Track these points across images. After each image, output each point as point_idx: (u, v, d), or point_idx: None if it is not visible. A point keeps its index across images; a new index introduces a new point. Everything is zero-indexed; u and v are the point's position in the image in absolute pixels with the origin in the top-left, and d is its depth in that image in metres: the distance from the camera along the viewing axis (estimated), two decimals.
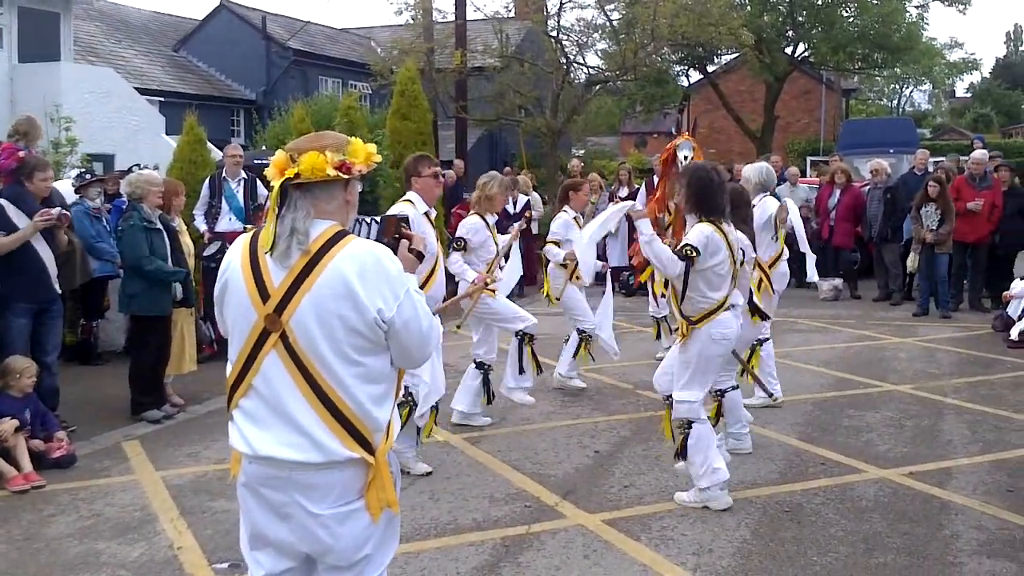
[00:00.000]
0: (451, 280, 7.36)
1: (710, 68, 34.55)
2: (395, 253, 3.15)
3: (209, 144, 13.04)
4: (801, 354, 10.62)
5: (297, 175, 3.01)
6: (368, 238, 3.19)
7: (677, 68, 33.96)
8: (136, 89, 23.38)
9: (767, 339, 8.26)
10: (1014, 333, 11.42)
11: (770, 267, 8.09)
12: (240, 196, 10.99)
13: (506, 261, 8.25)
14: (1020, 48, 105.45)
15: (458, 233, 7.92)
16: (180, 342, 8.66)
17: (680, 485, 6.34)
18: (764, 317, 7.37)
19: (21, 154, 7.94)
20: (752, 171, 8.48)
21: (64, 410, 7.84)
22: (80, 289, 9.16)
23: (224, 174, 11.12)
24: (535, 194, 16.84)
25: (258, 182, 10.89)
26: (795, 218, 8.49)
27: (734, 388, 6.87)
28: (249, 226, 10.11)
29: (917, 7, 31.11)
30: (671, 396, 6.13)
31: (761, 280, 7.76)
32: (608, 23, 25.32)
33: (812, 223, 15.57)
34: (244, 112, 31.72)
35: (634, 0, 23.60)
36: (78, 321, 10.42)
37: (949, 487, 6.45)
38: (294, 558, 3.14)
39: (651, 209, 9.05)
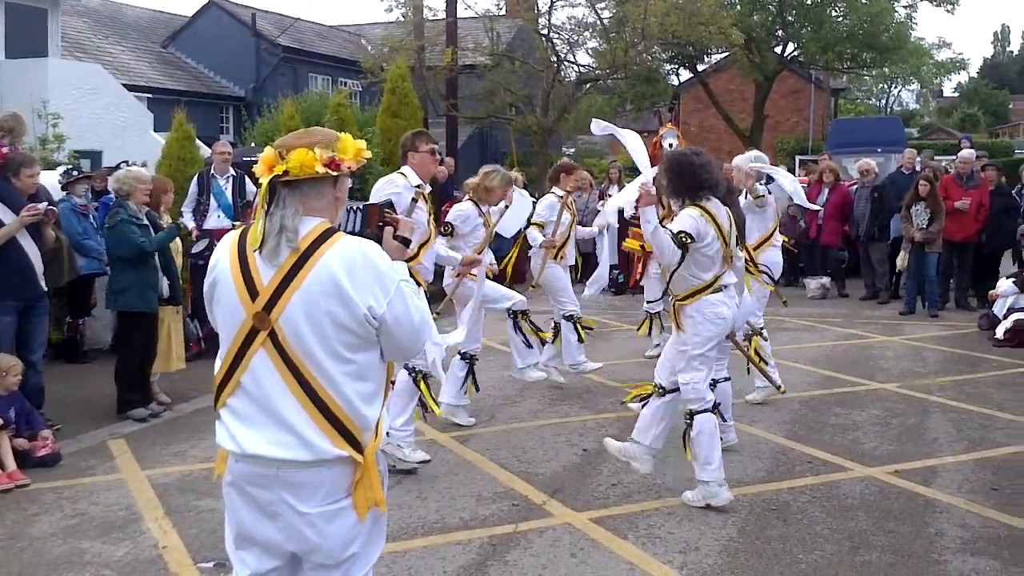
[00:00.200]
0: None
1: (700, 67, 34.59)
2: (380, 241, 3.14)
3: (198, 141, 13.00)
4: (789, 352, 10.64)
5: (286, 172, 3.00)
6: (355, 227, 3.18)
7: (667, 67, 34.01)
8: (124, 86, 23.30)
9: (762, 328, 8.21)
10: (1000, 332, 11.47)
11: (755, 249, 8.07)
12: (229, 193, 10.95)
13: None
14: (1007, 48, 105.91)
15: (447, 218, 7.90)
16: (167, 340, 8.63)
17: (667, 484, 6.36)
18: (775, 282, 7.40)
19: (5, 150, 7.91)
20: (741, 160, 8.44)
21: (49, 408, 7.81)
22: (66, 286, 9.12)
23: (213, 171, 11.08)
24: (525, 191, 16.81)
25: (247, 179, 10.85)
26: (783, 178, 8.44)
27: (726, 379, 6.85)
28: (238, 223, 10.08)
29: (905, 7, 31.22)
30: (663, 387, 6.14)
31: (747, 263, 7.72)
32: (599, 21, 25.36)
33: (800, 222, 15.61)
34: (233, 109, 31.63)
35: None
36: (64, 319, 10.37)
37: (934, 485, 6.48)
38: (280, 557, 3.13)
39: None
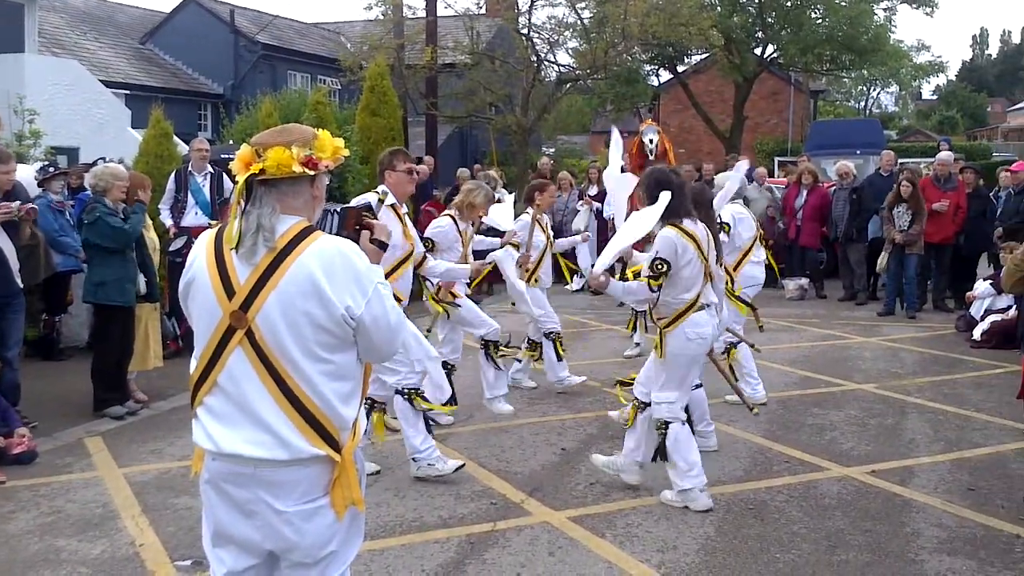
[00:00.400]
0: (417, 279, 7.24)
1: (680, 68, 34.64)
2: (357, 244, 3.13)
3: (176, 138, 12.92)
4: (767, 353, 10.64)
5: (263, 171, 2.98)
6: (331, 229, 3.17)
7: (647, 67, 34.05)
8: (102, 82, 23.10)
9: (739, 342, 8.28)
10: (977, 333, 11.56)
11: (735, 269, 8.17)
12: (206, 190, 10.89)
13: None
14: (986, 51, 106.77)
15: (426, 233, 7.89)
16: (144, 338, 8.58)
17: (645, 483, 6.36)
18: (751, 307, 7.43)
19: None
20: (724, 180, 8.53)
21: (25, 406, 7.76)
22: (42, 283, 9.06)
23: (190, 168, 11.01)
24: (504, 191, 16.81)
25: (225, 176, 10.79)
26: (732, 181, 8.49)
27: (697, 386, 6.87)
28: (215, 221, 10.03)
29: (885, 9, 31.39)
30: (644, 402, 6.15)
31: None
32: (579, 21, 25.38)
33: (779, 223, 15.69)
34: (212, 106, 31.51)
35: None
36: (40, 315, 10.29)
37: (911, 485, 6.51)
38: (257, 555, 3.11)
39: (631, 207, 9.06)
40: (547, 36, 25.26)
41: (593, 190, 16.24)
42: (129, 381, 8.52)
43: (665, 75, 36.23)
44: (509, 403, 8.19)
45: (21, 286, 7.66)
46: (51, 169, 10.18)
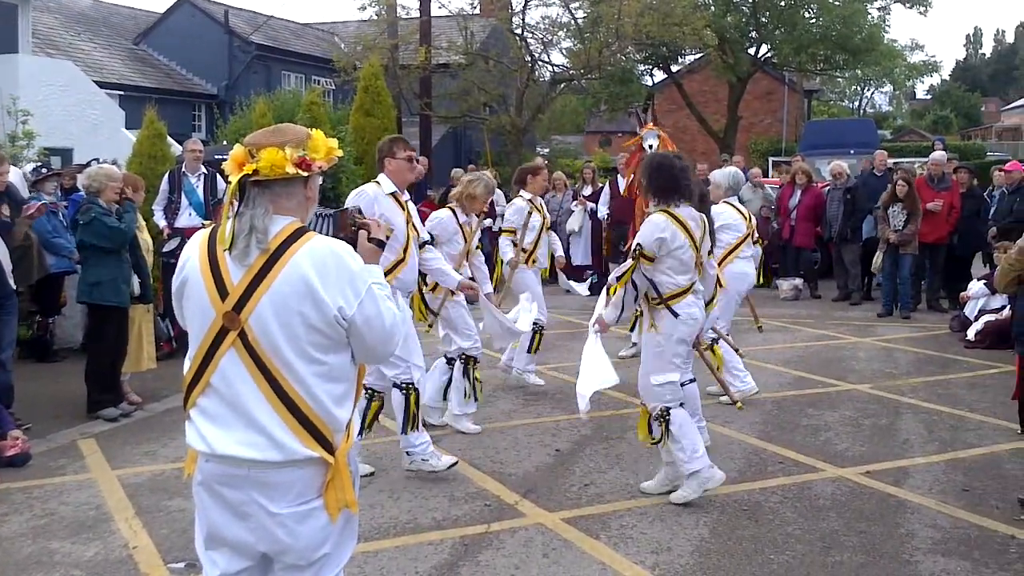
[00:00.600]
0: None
1: (674, 68, 34.69)
2: (355, 247, 3.12)
3: (170, 139, 12.90)
4: (761, 353, 10.68)
5: (256, 172, 2.97)
6: (326, 233, 3.16)
7: (641, 67, 34.09)
8: (96, 82, 23.07)
9: (716, 339, 8.23)
10: (971, 333, 11.57)
11: (720, 264, 8.16)
12: (200, 191, 10.86)
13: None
14: (980, 51, 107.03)
15: (427, 228, 7.85)
16: (138, 339, 8.57)
17: (640, 484, 6.36)
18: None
19: None
20: (722, 176, 8.57)
21: (19, 407, 7.74)
22: (35, 285, 9.03)
23: (184, 169, 10.99)
24: (499, 192, 16.82)
25: (218, 177, 10.77)
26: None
27: (691, 381, 6.85)
28: (209, 222, 10.01)
29: (879, 9, 31.46)
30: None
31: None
32: (573, 21, 25.41)
33: (773, 223, 15.69)
34: (206, 107, 31.41)
35: None
36: (34, 316, 10.27)
37: (905, 486, 6.51)
38: (251, 557, 3.10)
39: (639, 205, 9.08)
40: (541, 36, 25.30)
41: (587, 190, 16.24)
42: (123, 383, 8.50)
43: (659, 75, 36.31)
44: (498, 400, 8.15)
45: (14, 287, 7.64)
46: (44, 170, 10.16)
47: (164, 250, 10.32)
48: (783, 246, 15.78)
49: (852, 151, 20.57)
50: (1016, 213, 12.79)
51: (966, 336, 11.65)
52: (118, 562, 5.25)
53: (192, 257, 3.09)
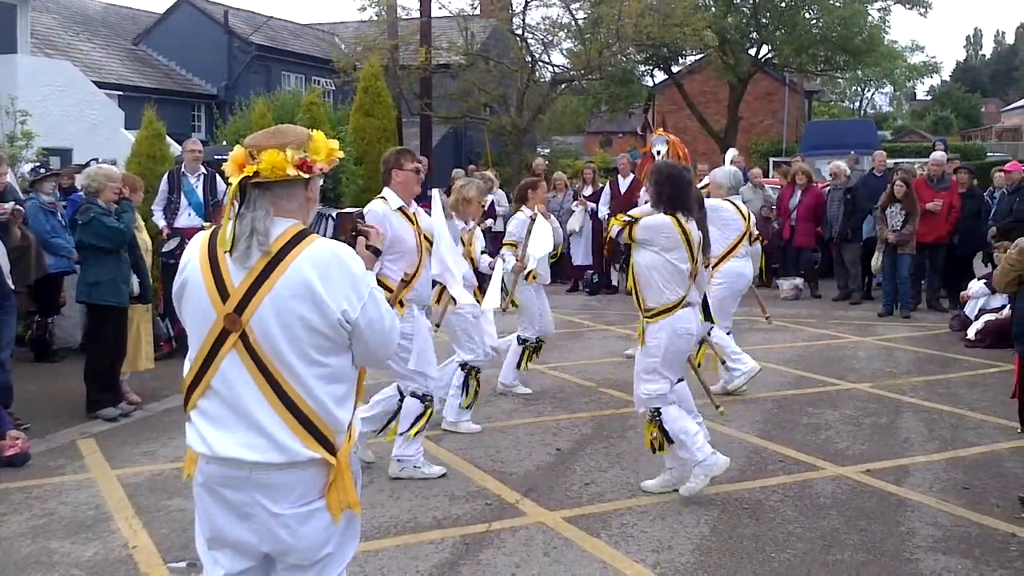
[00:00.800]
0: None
1: (674, 68, 34.70)
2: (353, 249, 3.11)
3: (169, 139, 12.89)
4: (762, 352, 10.65)
5: (256, 173, 2.96)
6: (326, 234, 3.15)
7: (642, 68, 34.09)
8: (95, 83, 23.06)
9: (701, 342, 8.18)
10: (971, 333, 11.57)
11: (719, 262, 8.18)
12: (199, 192, 10.84)
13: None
14: (980, 52, 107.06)
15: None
16: (137, 339, 8.56)
17: (640, 483, 6.35)
18: (709, 318, 7.36)
19: None
20: (723, 176, 8.59)
21: (18, 407, 7.73)
22: (34, 284, 9.02)
23: (183, 169, 10.96)
24: (500, 192, 16.84)
25: (218, 178, 10.76)
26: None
27: (679, 380, 6.81)
28: (208, 223, 10.00)
29: (879, 10, 31.47)
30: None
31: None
32: (573, 22, 25.40)
33: (774, 223, 15.69)
34: (205, 107, 31.40)
35: None
36: (32, 316, 10.26)
37: (906, 484, 6.51)
38: (253, 558, 3.10)
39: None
40: (541, 37, 25.28)
41: (588, 190, 16.23)
42: (122, 382, 8.49)
43: (660, 76, 36.31)
44: (499, 399, 8.13)
45: (12, 287, 7.63)
46: (42, 170, 10.15)
47: (163, 250, 10.31)
48: (783, 246, 15.79)
49: (852, 151, 20.53)
50: (1016, 213, 12.77)
51: (966, 335, 11.65)
52: (118, 562, 5.25)
53: (193, 259, 3.08)
